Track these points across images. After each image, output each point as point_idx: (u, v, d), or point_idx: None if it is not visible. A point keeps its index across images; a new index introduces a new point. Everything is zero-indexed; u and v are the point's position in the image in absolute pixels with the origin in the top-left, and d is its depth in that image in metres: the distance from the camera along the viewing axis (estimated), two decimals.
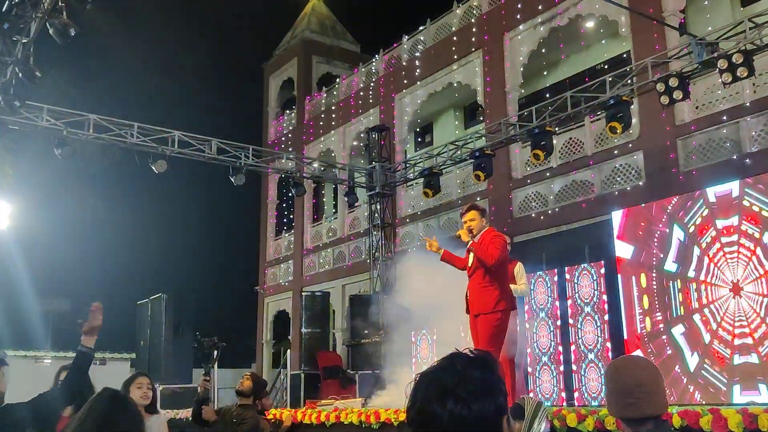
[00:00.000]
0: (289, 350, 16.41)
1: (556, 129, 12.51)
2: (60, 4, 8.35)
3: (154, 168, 12.79)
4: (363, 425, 7.61)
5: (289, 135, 22.66)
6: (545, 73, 16.02)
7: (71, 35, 8.43)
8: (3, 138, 12.10)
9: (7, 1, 8.77)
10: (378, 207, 16.88)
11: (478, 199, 15.74)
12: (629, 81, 11.55)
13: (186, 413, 10.98)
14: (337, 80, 21.36)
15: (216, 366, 13.47)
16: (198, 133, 13.77)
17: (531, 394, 7.63)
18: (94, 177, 22.75)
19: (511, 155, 15.00)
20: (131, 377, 5.17)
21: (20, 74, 9.57)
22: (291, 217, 22.69)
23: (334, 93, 21.21)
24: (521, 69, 15.42)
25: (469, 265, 6.56)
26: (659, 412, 2.42)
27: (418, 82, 17.88)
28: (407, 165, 16.02)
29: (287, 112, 23.42)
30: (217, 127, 15.32)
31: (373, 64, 19.79)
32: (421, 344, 12.34)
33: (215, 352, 13.42)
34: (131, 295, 15.84)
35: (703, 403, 7.71)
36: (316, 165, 16.97)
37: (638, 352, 8.89)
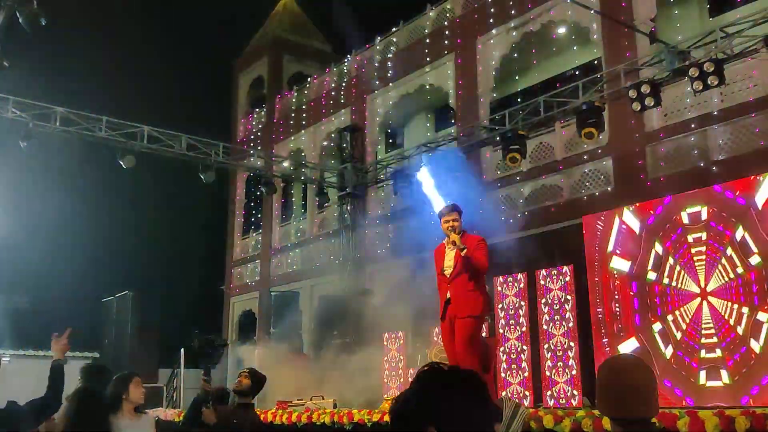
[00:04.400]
0: (257, 350, 16.26)
1: (528, 133, 12.62)
2: None
3: (122, 163, 12.59)
4: (336, 426, 7.56)
5: (259, 133, 22.48)
6: (517, 77, 16.13)
7: (41, 24, 8.25)
8: None
9: None
10: (349, 207, 16.83)
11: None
12: (600, 87, 11.71)
13: (152, 412, 10.80)
14: (309, 80, 21.24)
15: (183, 367, 13.32)
16: (168, 128, 13.59)
17: (509, 395, 7.61)
18: (59, 171, 22.28)
19: (482, 158, 15.07)
20: (127, 375, 5.03)
21: None
22: (259, 216, 22.49)
23: (305, 92, 21.09)
24: (493, 73, 15.51)
25: (450, 268, 6.41)
26: (651, 415, 2.44)
27: (390, 84, 17.87)
28: (378, 166, 16.00)
29: (257, 110, 23.22)
30: (186, 123, 15.12)
31: (345, 64, 19.73)
32: (391, 346, 12.32)
33: (181, 352, 13.25)
34: (96, 292, 15.55)
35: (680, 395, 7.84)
36: (286, 164, 16.86)
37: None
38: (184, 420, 6.69)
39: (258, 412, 6.37)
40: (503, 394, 8.59)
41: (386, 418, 7.17)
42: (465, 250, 6.19)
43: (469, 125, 14.19)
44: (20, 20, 8.24)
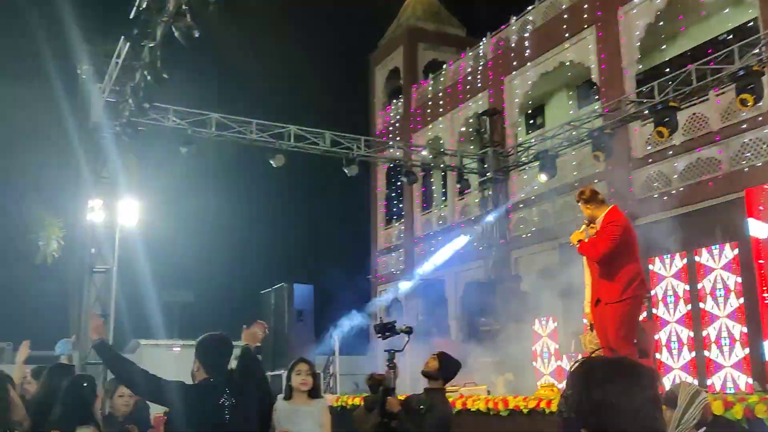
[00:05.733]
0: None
1: (679, 105, 11.92)
2: (183, 7, 8.71)
3: (272, 162, 13.18)
4: (491, 412, 7.55)
5: (397, 124, 22.75)
6: (663, 46, 15.26)
7: (195, 37, 8.79)
8: (132, 139, 12.77)
9: (134, 9, 9.23)
10: (490, 193, 16.68)
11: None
12: (758, 50, 10.82)
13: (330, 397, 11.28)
14: (444, 66, 21.21)
15: (337, 353, 13.81)
16: (311, 126, 14.09)
17: (690, 381, 7.14)
18: (215, 173, 23.74)
19: (630, 134, 14.42)
20: (292, 363, 5.37)
21: (148, 77, 10.07)
22: (401, 206, 22.80)
23: (441, 79, 21.08)
24: (638, 44, 14.75)
25: None
26: None
27: (528, 63, 17.47)
28: (520, 149, 15.73)
29: (394, 101, 23.50)
30: (328, 120, 15.61)
31: (481, 47, 19.52)
32: (542, 332, 12.12)
33: (335, 339, 13.75)
34: (254, 285, 16.44)
35: None
36: (425, 153, 16.96)
37: None
38: (365, 408, 6.73)
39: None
40: (679, 380, 8.18)
41: (542, 404, 7.06)
42: (579, 244, 6.12)
43: (614, 100, 13.59)
44: (176, 34, 8.83)
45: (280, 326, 13.30)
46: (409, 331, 5.31)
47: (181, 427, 3.99)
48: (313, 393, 5.29)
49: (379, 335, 5.31)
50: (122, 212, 12.44)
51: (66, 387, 4.52)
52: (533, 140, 15.43)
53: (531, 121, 19.52)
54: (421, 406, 5.23)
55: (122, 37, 10.22)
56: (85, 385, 4.56)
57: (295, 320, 13.26)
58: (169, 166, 20.03)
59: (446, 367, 5.43)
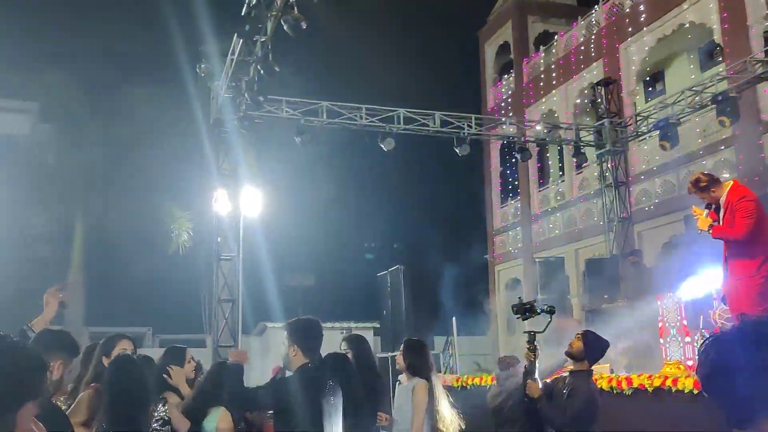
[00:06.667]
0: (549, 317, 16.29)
1: None
2: (291, 0, 8.95)
3: (383, 146, 13.33)
4: (614, 391, 7.36)
5: (509, 100, 22.37)
6: None
7: (303, 28, 9.01)
8: (249, 132, 13.29)
9: (245, 5, 9.58)
10: (609, 165, 16.13)
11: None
12: None
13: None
14: (555, 37, 20.62)
15: (455, 334, 13.85)
16: (420, 108, 14.12)
17: None
18: (329, 160, 24.32)
19: (759, 96, 13.48)
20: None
21: (261, 71, 10.44)
22: (516, 183, 22.44)
23: (553, 51, 20.51)
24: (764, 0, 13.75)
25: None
26: None
27: (644, 28, 16.66)
28: (639, 118, 15.07)
29: (505, 77, 23.10)
30: (436, 101, 15.58)
31: (593, 15, 18.81)
32: (667, 307, 11.61)
33: (453, 320, 13.79)
34: (371, 269, 16.78)
35: None
36: (539, 128, 16.59)
37: None
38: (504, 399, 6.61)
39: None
40: None
41: (668, 382, 6.81)
42: (713, 229, 5.89)
43: (739, 61, 12.74)
44: (285, 27, 9.09)
45: (397, 308, 13.50)
46: (551, 311, 5.07)
47: (292, 423, 3.91)
48: (411, 371, 5.42)
49: (518, 316, 5.08)
50: (245, 202, 12.98)
51: (210, 369, 4.81)
52: (653, 108, 14.72)
53: (649, 89, 18.63)
54: (564, 390, 4.95)
55: (235, 34, 10.62)
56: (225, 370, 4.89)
57: (412, 302, 13.40)
58: (286, 156, 20.74)
59: (592, 348, 5.10)
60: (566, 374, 5.21)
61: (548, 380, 5.32)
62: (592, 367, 5.28)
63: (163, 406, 3.92)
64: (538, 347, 5.02)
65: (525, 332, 5.03)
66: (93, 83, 22.32)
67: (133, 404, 3.56)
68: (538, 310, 5.05)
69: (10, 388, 1.62)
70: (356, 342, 5.49)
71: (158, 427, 3.86)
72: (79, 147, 21.33)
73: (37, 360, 1.72)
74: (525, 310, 5.06)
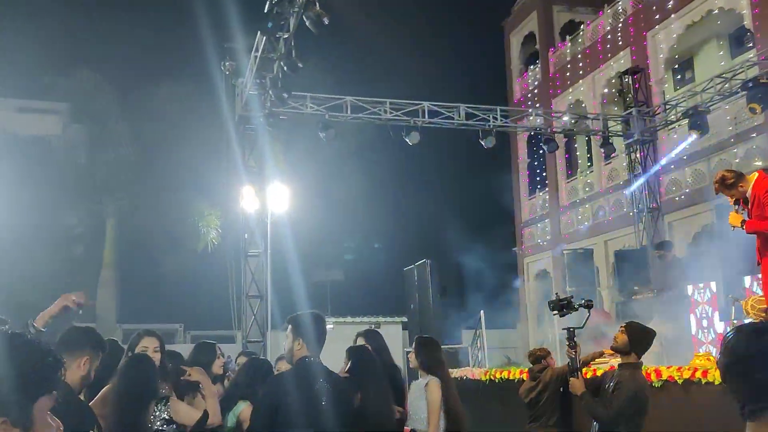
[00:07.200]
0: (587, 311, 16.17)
1: None
2: None
3: (408, 140, 13.31)
4: None
5: (535, 91, 22.18)
6: None
7: (325, 24, 9.03)
8: (275, 128, 13.37)
9: (267, 3, 9.62)
10: (638, 155, 15.92)
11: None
12: None
13: (460, 372, 11.40)
14: (581, 27, 20.37)
15: (484, 328, 13.80)
16: (445, 101, 14.06)
17: None
18: (354, 155, 24.35)
19: None
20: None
21: (285, 68, 10.49)
22: (543, 174, 22.28)
23: (579, 40, 20.27)
24: None
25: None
26: None
27: (672, 15, 16.39)
28: (667, 107, 14.84)
29: (531, 67, 22.91)
30: (461, 93, 15.52)
31: (620, 3, 18.55)
32: (699, 298, 11.45)
33: (481, 314, 13.73)
34: (398, 263, 16.77)
35: None
36: (566, 118, 16.43)
37: None
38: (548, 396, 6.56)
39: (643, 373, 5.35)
40: None
41: (697, 374, 6.71)
42: (746, 224, 5.87)
43: None
44: (307, 23, 9.12)
45: (425, 302, 13.47)
46: (589, 306, 4.93)
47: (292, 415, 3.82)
48: (425, 368, 5.40)
49: (556, 312, 5.02)
50: (272, 199, 13.05)
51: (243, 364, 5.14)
52: (681, 96, 14.49)
53: (678, 77, 18.35)
54: (611, 384, 4.78)
55: (258, 31, 10.68)
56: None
57: (440, 295, 13.36)
58: (312, 152, 20.83)
59: (637, 340, 4.86)
60: (615, 366, 5.06)
61: (599, 372, 5.24)
62: (611, 359, 5.20)
63: (165, 405, 4.00)
64: (579, 343, 4.94)
65: (564, 329, 4.96)
66: (121, 83, 22.60)
67: (130, 402, 3.74)
68: (576, 306, 4.97)
69: (26, 383, 1.70)
70: (373, 336, 5.59)
71: (162, 426, 3.94)
72: (109, 146, 21.63)
73: (51, 355, 1.79)
74: (562, 306, 5.02)
